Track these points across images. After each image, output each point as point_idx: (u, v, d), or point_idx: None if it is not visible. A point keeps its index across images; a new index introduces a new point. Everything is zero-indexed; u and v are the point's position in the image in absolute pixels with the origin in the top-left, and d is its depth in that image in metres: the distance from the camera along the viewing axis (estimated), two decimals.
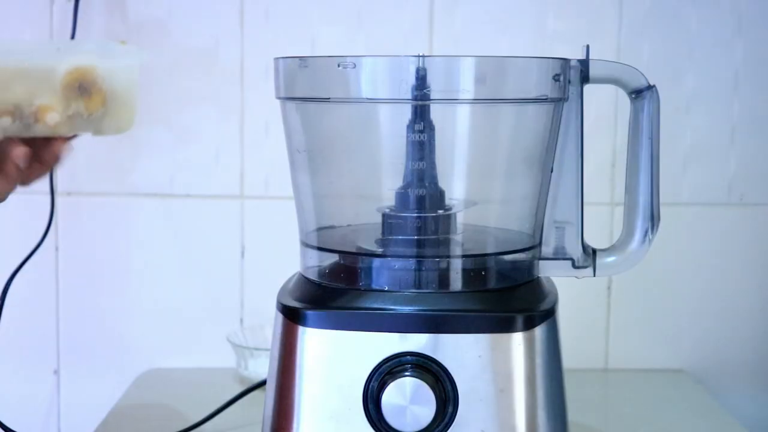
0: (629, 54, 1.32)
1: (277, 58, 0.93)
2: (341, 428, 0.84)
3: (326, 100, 0.89)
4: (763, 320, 1.38)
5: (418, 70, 0.85)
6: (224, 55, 1.34)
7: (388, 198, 0.91)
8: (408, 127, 0.88)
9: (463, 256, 0.89)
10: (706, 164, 1.35)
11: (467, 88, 0.87)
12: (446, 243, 0.89)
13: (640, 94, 0.91)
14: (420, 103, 0.87)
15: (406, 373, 0.83)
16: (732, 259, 1.37)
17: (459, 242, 0.90)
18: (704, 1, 1.33)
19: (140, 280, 1.37)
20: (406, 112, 0.88)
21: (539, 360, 0.85)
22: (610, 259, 0.94)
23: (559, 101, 0.90)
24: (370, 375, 0.84)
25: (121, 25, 1.33)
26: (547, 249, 0.93)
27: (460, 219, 0.91)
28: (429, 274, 0.88)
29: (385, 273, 0.88)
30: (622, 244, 0.94)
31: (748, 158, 1.35)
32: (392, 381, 0.83)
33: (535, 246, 0.93)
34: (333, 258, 0.92)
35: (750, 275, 1.37)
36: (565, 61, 0.90)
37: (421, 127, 0.88)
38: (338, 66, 0.87)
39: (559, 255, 0.93)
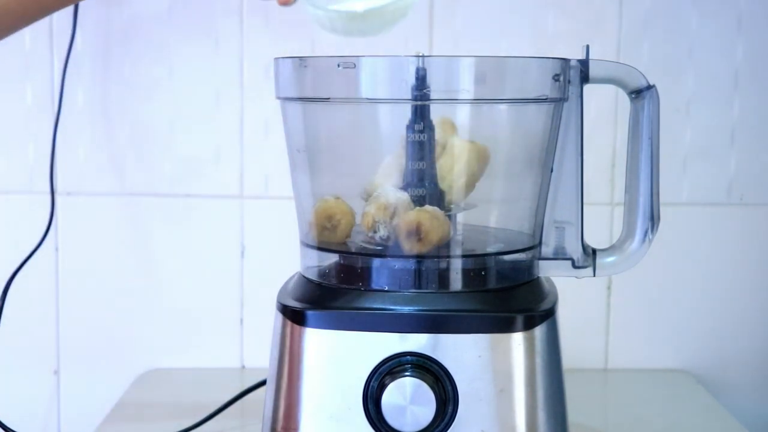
0: (629, 54, 1.32)
1: (277, 58, 0.93)
2: (341, 428, 0.84)
3: (326, 100, 0.89)
4: (763, 320, 1.38)
5: (418, 70, 0.85)
6: (224, 56, 1.34)
7: None
8: (408, 127, 0.88)
9: (463, 256, 0.89)
10: (706, 164, 1.35)
11: (467, 88, 0.87)
12: (446, 243, 0.89)
13: (640, 94, 0.91)
14: (420, 103, 0.87)
15: (406, 373, 0.83)
16: (732, 259, 1.37)
17: (459, 242, 0.90)
18: (704, 1, 1.33)
19: (140, 280, 1.37)
20: (406, 112, 0.88)
21: (539, 360, 0.85)
22: (610, 259, 0.94)
23: (559, 101, 0.90)
24: (370, 375, 0.84)
25: (120, 23, 1.33)
26: (547, 249, 0.93)
27: (460, 219, 0.91)
28: (429, 274, 0.88)
29: (385, 273, 0.88)
30: (622, 244, 0.94)
31: (748, 158, 1.35)
32: (392, 381, 0.83)
33: (535, 246, 0.93)
34: (333, 258, 0.92)
35: (750, 275, 1.37)
36: (565, 61, 0.90)
37: (421, 127, 0.88)
38: (338, 66, 0.87)
39: (559, 255, 0.93)
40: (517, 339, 0.85)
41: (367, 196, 0.90)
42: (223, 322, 1.37)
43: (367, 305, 0.86)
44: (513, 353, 0.84)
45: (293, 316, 0.87)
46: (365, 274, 0.88)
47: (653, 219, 0.93)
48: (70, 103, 1.33)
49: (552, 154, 0.92)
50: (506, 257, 0.92)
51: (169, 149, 1.35)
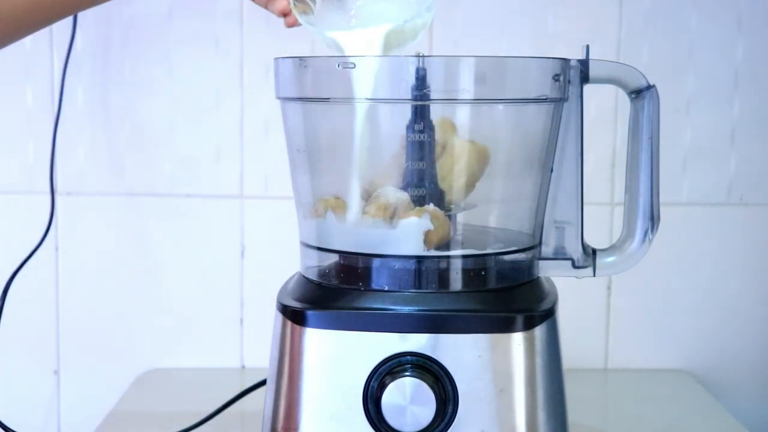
0: (629, 54, 1.32)
1: (277, 58, 0.93)
2: (341, 428, 0.84)
3: (326, 100, 0.89)
4: (763, 320, 1.38)
5: (418, 70, 0.85)
6: (224, 56, 1.34)
7: None
8: (408, 127, 0.88)
9: (463, 256, 0.89)
10: (706, 164, 1.35)
11: (467, 88, 0.87)
12: (446, 243, 0.89)
13: (640, 94, 0.91)
14: (420, 103, 0.87)
15: (406, 373, 0.83)
16: (732, 259, 1.37)
17: (459, 242, 0.90)
18: (704, 1, 1.33)
19: (140, 280, 1.37)
20: (406, 112, 0.88)
21: (539, 360, 0.85)
22: (610, 259, 0.94)
23: (559, 101, 0.90)
24: (370, 375, 0.84)
25: (120, 23, 1.33)
26: (547, 249, 0.93)
27: (460, 219, 0.91)
28: (429, 274, 0.88)
29: (385, 273, 0.88)
30: (622, 244, 0.94)
31: (748, 158, 1.35)
32: (392, 381, 0.83)
33: (535, 246, 0.93)
34: (333, 258, 0.92)
35: (750, 275, 1.37)
36: (565, 61, 0.90)
37: (421, 127, 0.88)
38: (338, 66, 0.87)
39: (559, 255, 0.93)
40: (517, 339, 0.85)
41: (367, 196, 0.90)
42: (223, 322, 1.37)
43: (367, 305, 0.86)
44: (513, 353, 0.84)
45: (293, 316, 0.87)
46: (365, 274, 0.88)
47: (653, 219, 0.93)
48: (70, 103, 1.33)
49: (552, 154, 0.92)
50: (506, 257, 0.91)
51: (169, 149, 1.35)
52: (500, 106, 0.90)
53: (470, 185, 0.90)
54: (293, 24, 0.96)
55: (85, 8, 0.93)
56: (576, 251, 0.93)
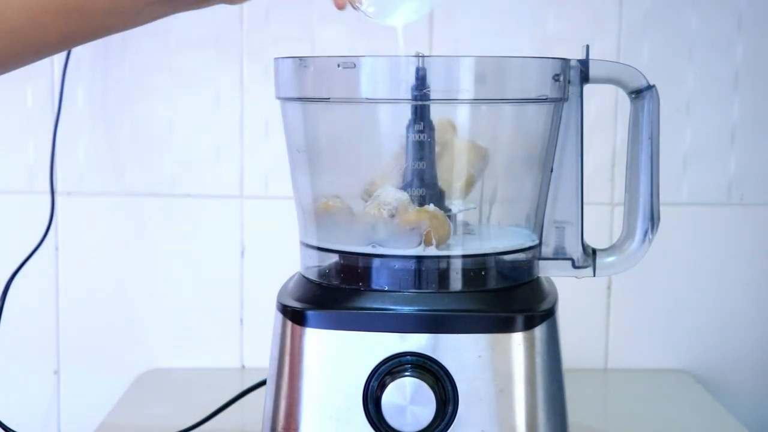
0: (629, 54, 1.32)
1: (277, 58, 0.93)
2: (341, 428, 0.84)
3: (326, 100, 0.89)
4: (763, 320, 1.38)
5: (418, 70, 0.85)
6: (224, 56, 1.34)
7: None
8: (408, 127, 0.88)
9: (463, 256, 0.89)
10: (706, 164, 1.35)
11: (467, 88, 0.87)
12: (446, 243, 0.89)
13: (640, 94, 0.91)
14: (420, 103, 0.87)
15: (406, 373, 0.83)
16: (732, 259, 1.37)
17: (459, 242, 0.90)
18: (704, 1, 1.33)
19: (140, 280, 1.37)
20: (406, 112, 0.88)
21: (539, 360, 0.85)
22: (610, 259, 0.94)
23: (559, 101, 0.90)
24: (370, 375, 0.84)
25: None
26: (547, 249, 0.93)
27: (460, 219, 0.91)
28: (429, 274, 0.88)
29: (385, 273, 0.88)
30: (622, 244, 0.94)
31: (748, 158, 1.35)
32: (392, 381, 0.83)
33: (535, 246, 0.93)
34: (333, 258, 0.92)
35: (750, 275, 1.37)
36: (565, 61, 0.90)
37: (421, 127, 0.88)
38: (338, 66, 0.87)
39: (559, 255, 0.93)
40: (517, 339, 0.85)
41: (367, 196, 0.90)
42: (223, 322, 1.37)
43: (367, 305, 0.86)
44: (513, 353, 0.84)
45: (293, 316, 0.87)
46: (365, 274, 0.88)
47: (653, 219, 0.93)
48: (70, 103, 1.33)
49: (552, 154, 0.92)
50: (506, 257, 0.92)
51: (169, 149, 1.35)
52: (500, 106, 0.90)
53: (470, 185, 0.90)
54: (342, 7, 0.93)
55: (76, 44, 0.93)
56: (576, 251, 0.93)
